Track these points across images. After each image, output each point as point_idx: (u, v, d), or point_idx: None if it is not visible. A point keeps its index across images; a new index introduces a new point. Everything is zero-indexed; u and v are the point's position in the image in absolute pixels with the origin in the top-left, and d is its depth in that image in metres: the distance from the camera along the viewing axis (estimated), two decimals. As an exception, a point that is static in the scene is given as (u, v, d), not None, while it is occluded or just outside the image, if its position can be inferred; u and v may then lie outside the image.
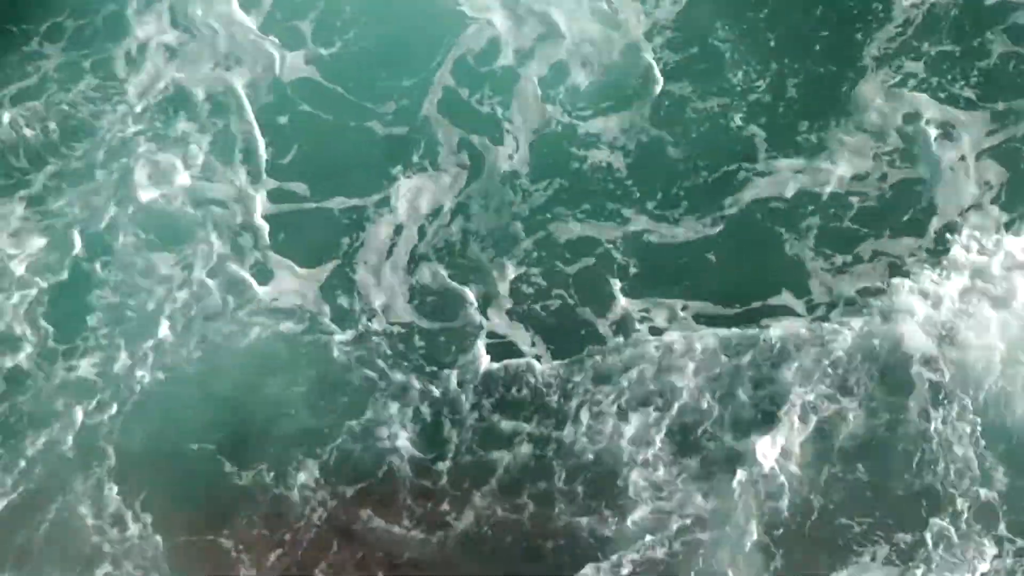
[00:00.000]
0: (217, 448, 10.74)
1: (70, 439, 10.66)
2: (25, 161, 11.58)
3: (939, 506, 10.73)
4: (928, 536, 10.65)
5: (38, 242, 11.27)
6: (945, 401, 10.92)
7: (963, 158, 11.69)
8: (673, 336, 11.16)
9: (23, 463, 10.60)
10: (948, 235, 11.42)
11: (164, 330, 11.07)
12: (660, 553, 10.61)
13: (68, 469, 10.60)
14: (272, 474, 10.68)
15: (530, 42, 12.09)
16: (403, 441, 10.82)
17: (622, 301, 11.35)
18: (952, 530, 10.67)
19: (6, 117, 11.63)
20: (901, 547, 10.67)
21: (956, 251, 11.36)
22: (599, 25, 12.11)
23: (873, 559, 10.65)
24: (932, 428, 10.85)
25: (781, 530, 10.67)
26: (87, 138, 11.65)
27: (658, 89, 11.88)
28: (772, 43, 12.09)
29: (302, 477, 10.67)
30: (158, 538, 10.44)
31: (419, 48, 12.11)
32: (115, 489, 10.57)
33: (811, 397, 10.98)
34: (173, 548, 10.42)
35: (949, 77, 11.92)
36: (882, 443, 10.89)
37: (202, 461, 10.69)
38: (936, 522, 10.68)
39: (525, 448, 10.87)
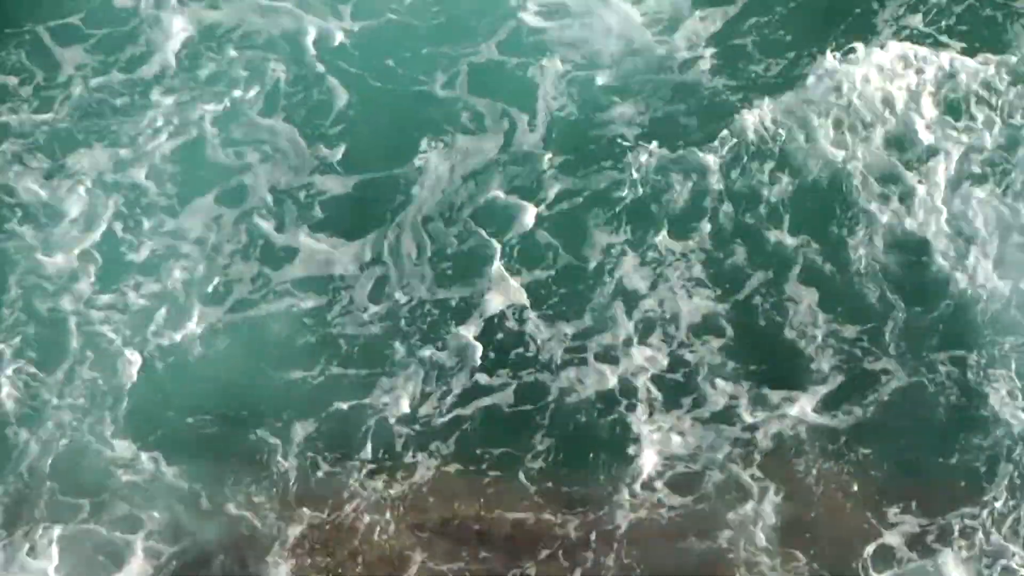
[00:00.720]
0: (226, 407, 10.92)
1: (88, 391, 10.91)
2: (55, 132, 11.86)
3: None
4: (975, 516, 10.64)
5: (76, 204, 11.56)
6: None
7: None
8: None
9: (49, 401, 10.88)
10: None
11: (185, 293, 11.31)
12: (663, 519, 10.69)
13: (91, 411, 10.84)
14: (276, 439, 10.82)
15: (572, 31, 12.47)
16: (407, 409, 11.00)
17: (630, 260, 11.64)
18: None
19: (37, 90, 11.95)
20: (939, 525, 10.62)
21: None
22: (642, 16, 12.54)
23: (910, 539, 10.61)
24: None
25: (801, 502, 10.72)
26: (118, 112, 11.95)
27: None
28: (792, 32, 12.53)
29: (301, 440, 10.83)
30: (166, 477, 10.65)
31: (457, 30, 12.52)
32: (129, 436, 10.77)
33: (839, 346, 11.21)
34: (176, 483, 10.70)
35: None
36: (923, 400, 11.01)
37: (211, 419, 10.88)
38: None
39: (528, 408, 11.04)
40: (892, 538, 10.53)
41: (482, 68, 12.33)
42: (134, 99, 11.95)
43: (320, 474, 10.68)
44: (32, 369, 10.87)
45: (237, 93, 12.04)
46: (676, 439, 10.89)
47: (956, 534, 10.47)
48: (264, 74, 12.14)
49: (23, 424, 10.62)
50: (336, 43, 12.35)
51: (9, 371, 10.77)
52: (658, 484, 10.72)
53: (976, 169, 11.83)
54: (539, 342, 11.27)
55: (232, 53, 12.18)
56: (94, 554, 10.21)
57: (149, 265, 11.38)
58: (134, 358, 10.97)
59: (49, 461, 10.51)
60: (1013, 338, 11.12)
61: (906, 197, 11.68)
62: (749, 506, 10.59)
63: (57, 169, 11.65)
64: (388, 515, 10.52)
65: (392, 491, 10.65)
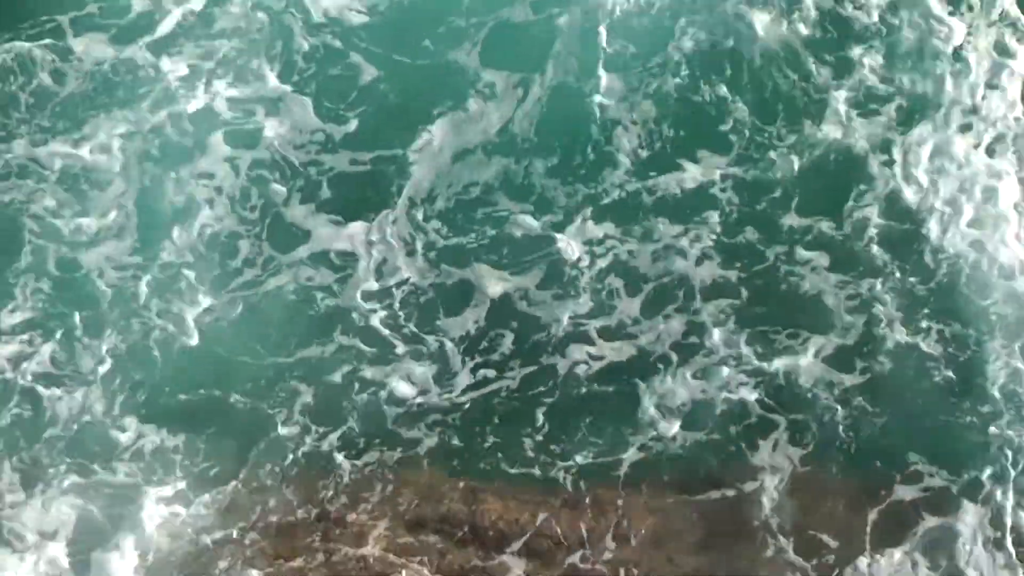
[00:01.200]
0: (232, 384, 11.15)
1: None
2: (74, 105, 12.02)
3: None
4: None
5: (94, 175, 11.75)
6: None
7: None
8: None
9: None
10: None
11: (188, 270, 11.49)
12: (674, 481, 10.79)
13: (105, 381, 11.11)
14: (273, 417, 11.05)
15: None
16: (408, 392, 11.16)
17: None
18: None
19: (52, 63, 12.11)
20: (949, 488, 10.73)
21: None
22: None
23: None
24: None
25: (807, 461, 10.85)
26: (136, 82, 12.11)
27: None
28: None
29: (298, 419, 11.03)
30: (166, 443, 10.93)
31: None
32: (136, 403, 11.05)
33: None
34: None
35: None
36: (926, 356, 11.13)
37: (215, 395, 11.12)
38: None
39: (530, 385, 11.17)
40: (906, 492, 10.68)
41: (502, 38, 12.34)
42: (149, 71, 12.12)
43: (317, 453, 10.89)
44: (61, 333, 11.16)
45: (255, 60, 12.17)
46: (684, 407, 11.02)
47: (971, 490, 10.68)
48: (284, 43, 12.27)
49: (46, 387, 10.97)
50: (356, 11, 12.46)
51: (40, 333, 11.13)
52: (664, 447, 10.86)
53: (964, 124, 12.00)
54: (542, 323, 11.37)
55: (249, 15, 12.31)
56: (101, 514, 10.58)
57: (154, 238, 11.56)
58: (148, 333, 11.21)
59: (67, 421, 10.85)
60: (1001, 296, 11.31)
61: (900, 162, 11.84)
62: (762, 461, 10.80)
63: (76, 140, 11.83)
64: (382, 494, 10.72)
65: (387, 470, 10.84)
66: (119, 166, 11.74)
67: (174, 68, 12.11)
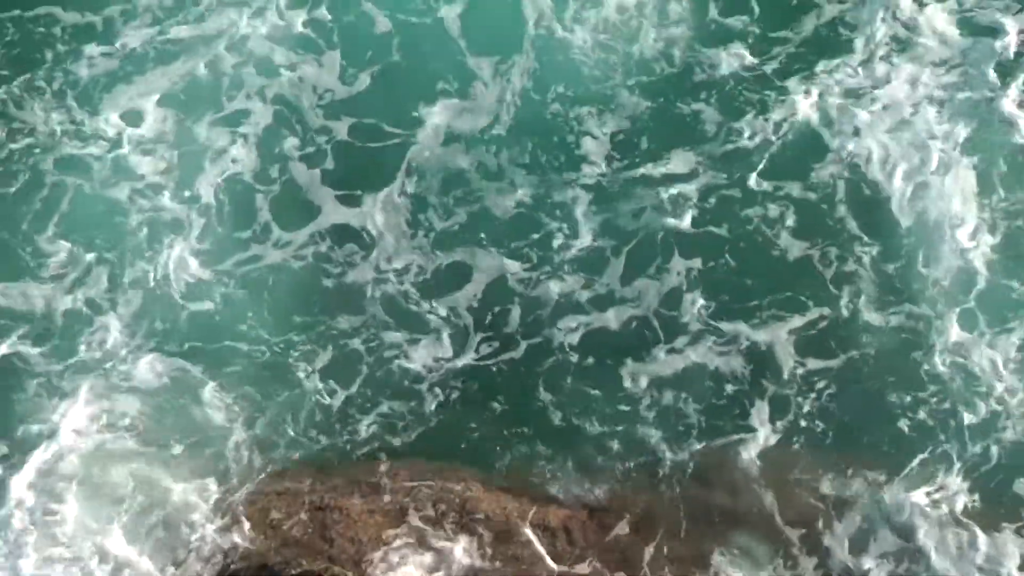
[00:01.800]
0: (233, 352, 11.55)
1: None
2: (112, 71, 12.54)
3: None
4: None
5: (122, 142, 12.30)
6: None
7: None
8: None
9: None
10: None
11: (203, 241, 11.90)
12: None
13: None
14: (296, 386, 11.42)
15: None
16: (419, 366, 11.45)
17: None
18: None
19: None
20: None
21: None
22: None
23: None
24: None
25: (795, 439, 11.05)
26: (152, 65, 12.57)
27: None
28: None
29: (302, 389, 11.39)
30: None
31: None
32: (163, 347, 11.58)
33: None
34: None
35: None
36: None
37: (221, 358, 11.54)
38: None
39: (532, 363, 11.42)
40: (864, 465, 10.91)
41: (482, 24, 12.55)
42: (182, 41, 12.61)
43: (314, 434, 11.24)
44: (91, 271, 11.71)
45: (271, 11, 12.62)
46: (665, 386, 11.26)
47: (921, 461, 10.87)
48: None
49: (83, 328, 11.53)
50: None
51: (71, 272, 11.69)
52: (648, 435, 11.09)
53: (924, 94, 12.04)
54: (537, 302, 11.59)
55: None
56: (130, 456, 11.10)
57: (179, 205, 12.02)
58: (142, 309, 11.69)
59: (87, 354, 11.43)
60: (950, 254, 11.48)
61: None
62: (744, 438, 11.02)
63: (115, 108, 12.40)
64: (373, 479, 11.00)
65: (378, 456, 11.16)
66: (153, 130, 12.29)
67: (200, 30, 12.60)
